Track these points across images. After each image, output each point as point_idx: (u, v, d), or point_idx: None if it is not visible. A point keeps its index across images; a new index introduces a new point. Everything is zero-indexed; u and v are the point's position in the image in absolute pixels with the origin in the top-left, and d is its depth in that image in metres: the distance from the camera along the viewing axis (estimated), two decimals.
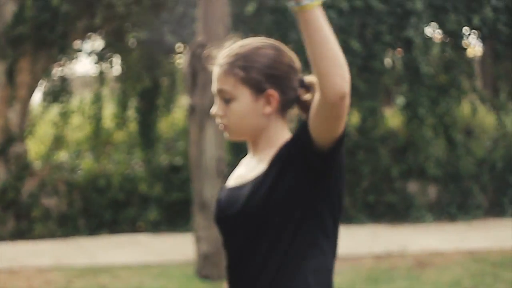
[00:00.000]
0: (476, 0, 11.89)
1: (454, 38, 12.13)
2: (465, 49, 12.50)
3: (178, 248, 9.55)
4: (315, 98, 1.94)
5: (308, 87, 2.18)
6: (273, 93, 2.12)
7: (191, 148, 7.75)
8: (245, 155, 2.34)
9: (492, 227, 10.65)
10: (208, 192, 7.54)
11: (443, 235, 10.13)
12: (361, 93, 11.25)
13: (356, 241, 9.59)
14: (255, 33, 11.80)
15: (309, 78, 2.18)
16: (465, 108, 12.63)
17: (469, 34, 12.57)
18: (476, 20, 11.82)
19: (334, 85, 1.85)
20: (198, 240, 7.76)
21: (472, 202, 11.83)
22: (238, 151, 10.12)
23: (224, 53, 2.17)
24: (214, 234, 7.41)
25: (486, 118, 12.93)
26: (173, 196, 11.13)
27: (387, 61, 12.13)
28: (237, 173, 2.24)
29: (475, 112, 12.48)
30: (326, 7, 11.17)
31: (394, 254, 8.83)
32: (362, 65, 11.35)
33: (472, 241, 9.58)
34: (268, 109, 2.13)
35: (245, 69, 2.11)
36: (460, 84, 12.15)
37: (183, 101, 13.10)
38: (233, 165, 2.87)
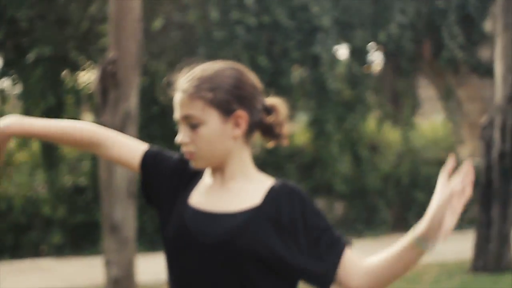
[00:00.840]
0: (382, 17, 12.03)
1: (360, 54, 12.24)
2: (370, 65, 12.66)
3: (84, 272, 9.28)
4: (353, 273, 2.04)
5: (269, 110, 2.12)
6: (243, 114, 2.06)
7: (100, 168, 7.48)
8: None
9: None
10: (118, 214, 7.28)
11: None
12: None
13: None
14: (162, 49, 11.47)
15: (270, 101, 2.14)
16: (370, 123, 12.75)
17: (375, 50, 12.74)
18: (382, 36, 11.97)
19: None
20: (108, 264, 7.48)
21: (378, 218, 11.94)
22: None
23: (186, 78, 2.09)
24: (124, 257, 7.19)
25: (391, 133, 13.09)
26: (78, 218, 10.91)
27: (294, 77, 12.12)
28: (199, 197, 2.09)
29: (381, 127, 12.61)
30: (234, 23, 11.09)
31: None
32: (270, 81, 11.29)
33: None
34: (237, 132, 2.06)
35: (213, 91, 2.04)
36: (365, 100, 12.27)
37: (88, 119, 12.76)
38: None
